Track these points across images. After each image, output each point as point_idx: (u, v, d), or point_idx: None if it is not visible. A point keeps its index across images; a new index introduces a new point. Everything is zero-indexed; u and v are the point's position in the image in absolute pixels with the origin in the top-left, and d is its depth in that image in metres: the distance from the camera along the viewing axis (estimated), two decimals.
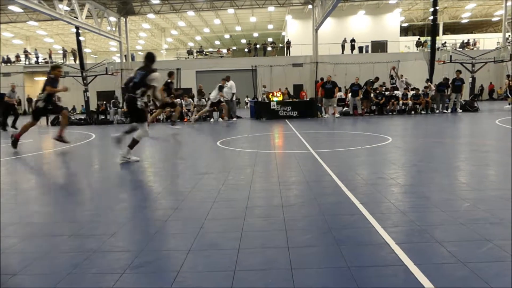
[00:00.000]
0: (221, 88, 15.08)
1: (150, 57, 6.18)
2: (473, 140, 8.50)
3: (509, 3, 30.61)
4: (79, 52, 26.13)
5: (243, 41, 43.26)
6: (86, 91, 20.19)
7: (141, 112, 6.19)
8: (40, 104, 8.13)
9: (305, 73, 30.05)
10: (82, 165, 6.83)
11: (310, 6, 29.22)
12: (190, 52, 34.74)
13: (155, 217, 3.48)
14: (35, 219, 3.52)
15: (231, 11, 31.38)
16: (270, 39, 38.92)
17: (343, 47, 30.82)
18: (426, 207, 3.46)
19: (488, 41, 33.39)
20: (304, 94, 26.86)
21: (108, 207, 3.76)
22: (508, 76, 21.84)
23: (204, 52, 35.79)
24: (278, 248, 2.60)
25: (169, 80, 12.53)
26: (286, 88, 24.52)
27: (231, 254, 2.50)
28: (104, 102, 18.74)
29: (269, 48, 33.51)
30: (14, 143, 8.02)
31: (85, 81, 20.34)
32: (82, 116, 19.51)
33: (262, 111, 16.00)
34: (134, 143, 6.21)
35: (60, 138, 8.47)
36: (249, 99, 27.04)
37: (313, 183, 4.47)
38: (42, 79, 32.10)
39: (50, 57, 33.37)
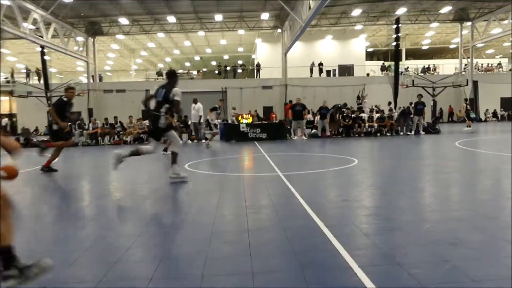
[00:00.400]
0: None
1: (172, 74, 6.37)
2: (436, 161, 8.81)
3: (464, 32, 32.48)
4: (43, 72, 25.50)
5: (214, 63, 43.55)
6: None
7: (162, 130, 6.14)
8: (55, 127, 8.25)
9: (275, 96, 30.49)
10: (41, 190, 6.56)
11: (279, 30, 29.92)
12: (159, 74, 34.59)
13: (118, 244, 3.37)
14: None
15: (201, 33, 31.66)
16: (240, 62, 39.44)
17: (311, 70, 31.58)
18: (389, 229, 3.53)
19: (447, 67, 35.11)
20: (273, 116, 27.18)
21: (65, 237, 3.61)
22: (465, 99, 22.95)
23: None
24: (242, 274, 2.56)
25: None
26: (256, 111, 24.75)
27: (195, 281, 2.45)
28: (69, 123, 18.22)
29: (239, 71, 33.83)
30: (49, 170, 7.96)
31: (49, 102, 19.80)
32: (45, 138, 18.87)
33: (232, 133, 16.03)
34: (174, 156, 6.24)
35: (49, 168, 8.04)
36: (218, 121, 27.06)
37: (279, 207, 4.48)
38: (4, 99, 31.01)
39: (12, 76, 32.34)
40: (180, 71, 39.42)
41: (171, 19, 27.84)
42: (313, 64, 31.64)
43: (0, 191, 2.26)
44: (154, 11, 26.64)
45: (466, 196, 5.13)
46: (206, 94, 25.45)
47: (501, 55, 45.64)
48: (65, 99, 8.20)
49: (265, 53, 34.44)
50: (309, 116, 20.05)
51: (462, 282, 2.34)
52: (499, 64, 37.39)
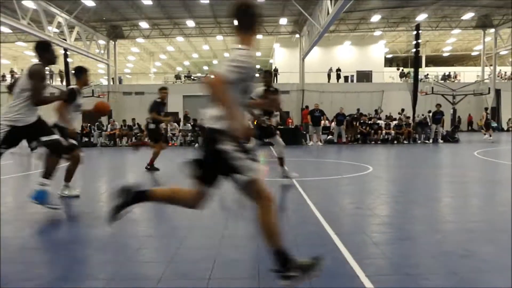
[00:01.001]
0: None
1: None
2: (452, 171, 8.67)
3: (487, 39, 31.88)
4: (66, 74, 26.10)
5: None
6: None
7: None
8: (151, 126, 8.22)
9: (292, 101, 30.46)
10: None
11: (297, 35, 29.95)
12: (178, 77, 35.01)
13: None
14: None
15: (219, 37, 31.94)
16: (258, 66, 39.53)
17: (329, 76, 31.46)
18: (400, 239, 3.50)
19: (468, 74, 34.47)
20: (290, 121, 27.17)
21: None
22: (486, 108, 22.51)
23: (192, 77, 36.12)
24: (248, 278, 2.59)
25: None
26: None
27: (202, 283, 2.49)
28: (89, 124, 18.64)
29: (257, 75, 33.95)
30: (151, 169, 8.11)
31: None
32: None
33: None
34: (281, 161, 6.55)
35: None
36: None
37: (291, 212, 4.49)
38: None
39: None
40: (199, 74, 39.87)
41: (190, 23, 28.22)
42: (330, 70, 31.53)
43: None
44: (174, 16, 27.04)
45: (482, 207, 5.04)
46: (199, 99, 25.62)
47: None
48: (158, 99, 8.26)
49: (282, 58, 34.49)
50: (325, 122, 19.98)
51: None
52: None
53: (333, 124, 17.60)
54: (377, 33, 32.22)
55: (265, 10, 26.20)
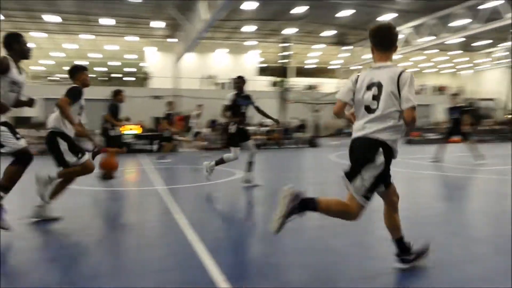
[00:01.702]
0: None
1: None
2: (312, 174, 9.41)
3: (344, 55, 35.95)
4: None
5: (100, 69, 40.97)
6: None
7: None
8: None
9: (165, 106, 29.83)
10: None
11: (172, 40, 29.48)
12: (35, 77, 31.33)
13: None
14: None
15: (87, 36, 29.61)
16: (129, 69, 37.79)
17: (204, 82, 31.70)
18: (261, 238, 3.59)
19: (328, 85, 38.36)
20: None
21: None
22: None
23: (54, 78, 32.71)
24: None
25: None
26: (141, 121, 23.91)
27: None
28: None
29: (130, 78, 32.42)
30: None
31: None
32: None
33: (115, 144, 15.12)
34: (250, 166, 6.50)
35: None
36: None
37: (156, 222, 4.30)
38: None
39: None
40: (60, 75, 36.32)
41: (50, 18, 25.53)
42: (206, 76, 31.83)
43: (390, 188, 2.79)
44: (32, 8, 24.15)
45: None
46: (91, 102, 23.73)
47: None
48: (115, 103, 8.05)
49: (156, 61, 33.59)
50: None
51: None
52: None
53: (207, 130, 17.71)
54: (251, 43, 33.68)
55: (138, 11, 25.20)
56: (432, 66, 46.35)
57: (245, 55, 36.00)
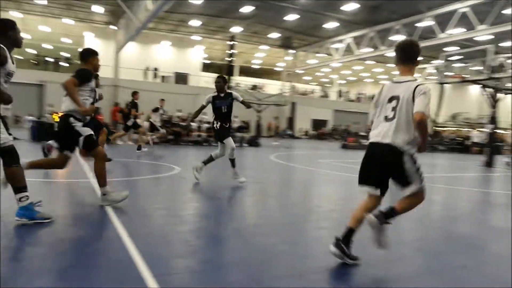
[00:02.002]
0: None
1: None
2: (254, 173, 9.41)
3: (288, 58, 36.67)
4: None
5: (31, 51, 38.01)
6: None
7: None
8: None
9: (104, 96, 28.47)
10: None
11: (113, 27, 28.23)
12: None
13: None
14: None
15: (17, 14, 27.38)
16: (65, 54, 35.50)
17: (146, 74, 30.71)
18: (199, 237, 3.48)
19: (272, 87, 38.92)
20: (100, 118, 25.25)
21: None
22: (275, 118, 25.56)
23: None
24: None
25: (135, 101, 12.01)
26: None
27: None
28: None
29: (64, 64, 30.50)
30: None
31: None
32: None
33: (45, 133, 14.10)
34: (233, 162, 6.50)
35: None
36: (31, 117, 23.63)
37: (85, 216, 4.01)
38: None
39: None
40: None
41: None
42: (148, 68, 30.86)
43: None
44: None
45: (273, 204, 5.57)
46: (19, 86, 21.97)
47: (315, 83, 53.12)
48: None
49: (95, 48, 31.92)
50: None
51: None
52: (313, 90, 43.43)
53: (146, 123, 17.12)
54: (196, 37, 33.19)
55: None
56: (370, 76, 48.82)
57: (190, 50, 35.39)
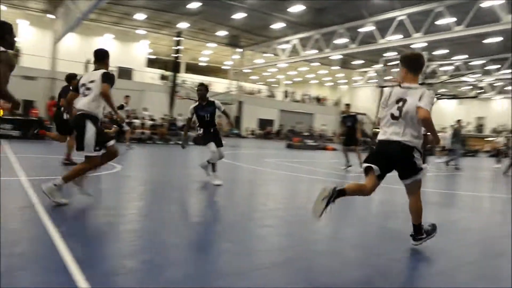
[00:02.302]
0: None
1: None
2: (197, 172, 9.30)
3: (235, 57, 36.72)
4: None
5: None
6: None
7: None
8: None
9: (38, 89, 26.74)
10: None
11: (51, 16, 26.60)
12: None
13: None
14: None
15: None
16: None
17: (86, 67, 29.26)
18: (140, 236, 3.36)
19: (219, 85, 38.74)
20: (35, 112, 23.69)
21: None
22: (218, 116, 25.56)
23: None
24: None
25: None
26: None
27: None
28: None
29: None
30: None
31: None
32: None
33: None
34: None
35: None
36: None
37: (17, 215, 3.73)
38: None
39: None
40: None
41: None
42: (88, 61, 29.42)
43: None
44: None
45: (218, 203, 5.54)
46: None
47: (262, 83, 53.64)
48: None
49: (30, 38, 29.88)
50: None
51: None
52: (259, 90, 43.83)
53: None
54: (141, 31, 32.18)
55: None
56: (315, 77, 50.20)
57: (135, 44, 34.25)
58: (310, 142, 22.98)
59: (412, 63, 3.44)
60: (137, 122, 17.47)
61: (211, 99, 6.69)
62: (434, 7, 19.58)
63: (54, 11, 26.02)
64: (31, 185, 5.23)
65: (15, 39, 3.78)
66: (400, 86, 3.43)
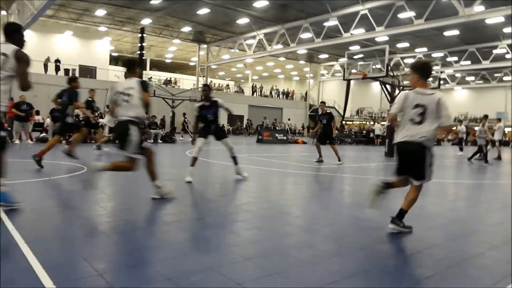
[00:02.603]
0: None
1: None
2: (170, 170, 9.17)
3: (201, 52, 36.31)
4: None
5: None
6: None
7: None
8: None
9: None
10: None
11: (3, 12, 25.34)
12: None
13: None
14: None
15: None
16: None
17: (46, 66, 28.16)
18: (118, 233, 3.27)
19: (186, 82, 38.28)
20: None
21: None
22: (184, 114, 25.32)
23: None
24: None
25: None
26: None
27: None
28: None
29: None
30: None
31: None
32: None
33: None
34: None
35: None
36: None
37: None
38: None
39: None
40: None
41: None
42: (48, 60, 28.33)
43: None
44: None
45: (188, 200, 5.47)
46: None
47: (229, 78, 53.41)
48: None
49: None
50: (39, 118, 17.72)
51: None
52: (228, 85, 43.66)
53: (48, 120, 15.76)
54: (102, 28, 31.26)
55: None
56: (282, 72, 50.50)
57: (96, 42, 33.24)
58: (280, 136, 23.10)
59: (424, 70, 3.82)
60: (103, 121, 16.98)
61: (214, 98, 6.93)
62: (395, 1, 20.09)
63: (7, 7, 24.83)
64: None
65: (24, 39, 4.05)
66: (413, 91, 3.79)
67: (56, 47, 30.40)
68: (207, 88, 7.02)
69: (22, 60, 3.75)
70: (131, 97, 4.58)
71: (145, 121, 4.81)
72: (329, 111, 11.62)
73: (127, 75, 4.95)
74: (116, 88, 4.78)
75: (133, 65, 5.05)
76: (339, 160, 10.57)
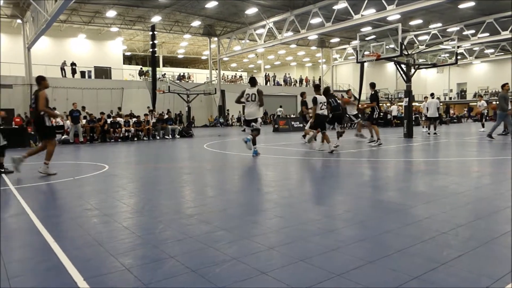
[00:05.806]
0: None
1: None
2: (189, 163, 9.27)
3: (212, 46, 36.30)
4: None
5: None
6: None
7: None
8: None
9: (17, 96, 26.17)
10: None
11: (19, 21, 25.84)
12: None
13: None
14: None
15: None
16: None
17: (63, 70, 28.66)
18: (122, 234, 3.34)
19: (200, 76, 38.39)
20: (18, 120, 23.16)
21: None
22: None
23: None
24: None
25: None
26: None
27: None
28: None
29: None
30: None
31: None
32: None
33: None
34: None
35: None
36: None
37: (7, 224, 3.65)
38: None
39: None
40: None
41: None
42: (64, 64, 28.82)
43: None
44: None
45: (208, 192, 5.52)
46: None
47: (242, 69, 53.32)
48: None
49: (2, 45, 29.09)
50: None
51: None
52: (241, 76, 43.56)
53: (68, 122, 16.08)
54: (114, 29, 31.55)
55: None
56: (294, 59, 50.07)
57: (109, 42, 33.60)
58: (296, 124, 22.97)
59: None
60: (120, 120, 17.25)
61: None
62: None
63: (23, 15, 25.31)
64: (20, 192, 5.13)
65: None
66: None
67: (71, 51, 30.88)
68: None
69: None
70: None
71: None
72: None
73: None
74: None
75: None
76: (373, 141, 11.89)
